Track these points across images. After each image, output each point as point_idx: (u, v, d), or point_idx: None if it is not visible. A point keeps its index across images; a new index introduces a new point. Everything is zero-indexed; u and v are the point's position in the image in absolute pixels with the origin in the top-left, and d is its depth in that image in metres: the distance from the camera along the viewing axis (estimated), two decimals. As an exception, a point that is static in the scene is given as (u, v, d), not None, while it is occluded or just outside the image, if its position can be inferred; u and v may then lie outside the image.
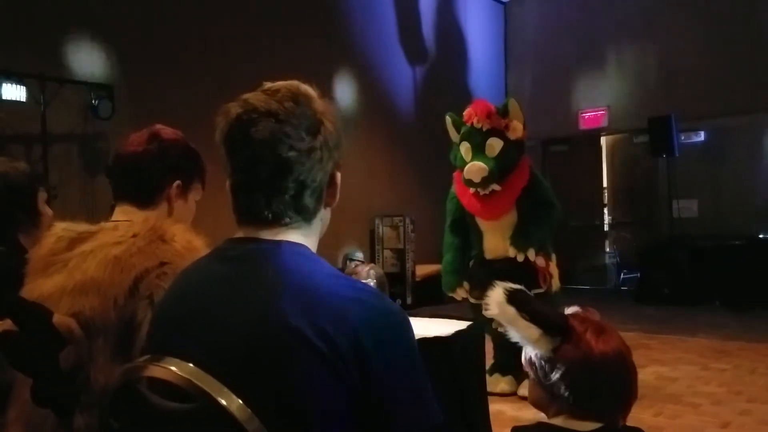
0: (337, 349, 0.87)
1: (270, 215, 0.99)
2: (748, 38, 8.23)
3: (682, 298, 7.55)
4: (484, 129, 4.08)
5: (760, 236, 7.48)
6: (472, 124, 4.13)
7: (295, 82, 1.03)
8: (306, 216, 1.02)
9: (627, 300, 8.09)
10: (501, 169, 4.02)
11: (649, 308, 7.45)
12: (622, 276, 9.42)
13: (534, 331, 1.20)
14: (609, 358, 1.18)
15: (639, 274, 8.47)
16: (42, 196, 1.82)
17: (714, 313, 7.06)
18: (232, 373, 0.87)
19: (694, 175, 8.63)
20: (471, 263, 4.30)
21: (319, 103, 1.02)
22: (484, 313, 1.29)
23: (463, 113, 4.24)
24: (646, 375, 4.43)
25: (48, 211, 1.84)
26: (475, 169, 3.98)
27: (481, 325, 2.52)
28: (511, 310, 1.21)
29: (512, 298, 1.21)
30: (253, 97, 0.99)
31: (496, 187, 4.03)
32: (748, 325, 6.28)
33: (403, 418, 0.90)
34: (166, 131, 1.51)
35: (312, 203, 1.01)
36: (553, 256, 4.24)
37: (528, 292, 1.25)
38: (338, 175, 1.05)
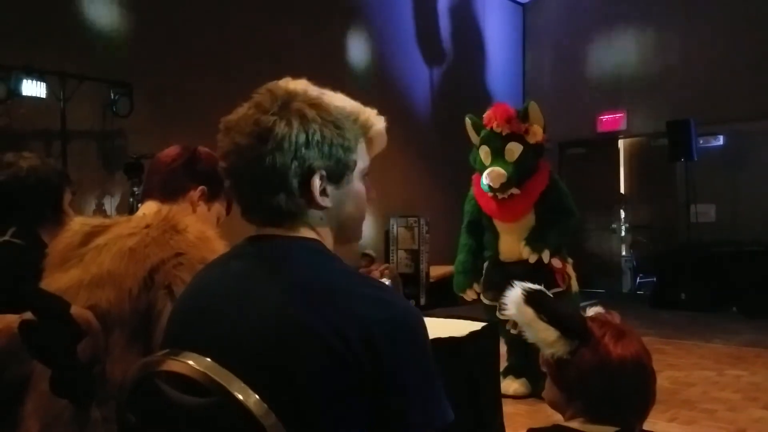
0: (349, 346, 0.87)
1: (260, 216, 1.02)
2: (766, 42, 8.12)
3: (699, 304, 7.47)
4: (504, 133, 4.09)
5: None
6: (491, 128, 4.14)
7: (278, 82, 1.03)
8: (289, 217, 1.00)
9: (643, 304, 8.00)
10: (520, 174, 4.04)
11: (665, 313, 7.37)
12: (638, 280, 9.34)
13: (551, 333, 1.18)
14: (627, 364, 1.16)
15: (655, 279, 8.39)
16: (68, 196, 1.83)
17: (730, 320, 6.98)
18: (246, 369, 0.88)
19: (713, 180, 8.52)
20: (486, 264, 4.29)
21: (293, 104, 0.98)
22: (499, 314, 1.29)
23: (483, 116, 4.24)
24: (661, 380, 4.32)
25: (71, 212, 1.85)
26: (495, 174, 4.00)
27: (495, 326, 2.52)
28: (529, 311, 1.19)
29: (530, 298, 1.20)
30: (237, 109, 1.01)
31: (515, 190, 4.06)
32: (764, 332, 6.20)
33: (414, 417, 0.89)
34: (203, 148, 1.57)
35: (286, 205, 0.99)
36: (570, 260, 4.23)
37: (547, 293, 1.23)
38: (319, 173, 0.98)
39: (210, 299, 1.00)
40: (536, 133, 4.09)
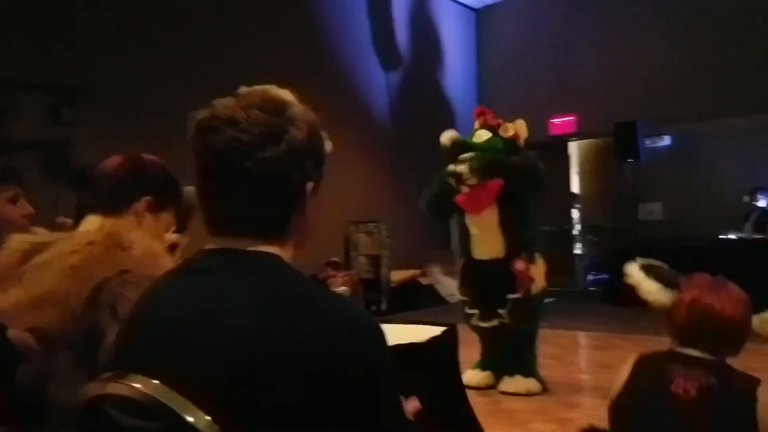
0: (311, 362, 0.85)
1: (237, 226, 0.97)
2: (712, 45, 8.43)
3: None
4: (477, 127, 4.35)
5: (720, 237, 7.66)
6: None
7: (268, 87, 1.00)
8: (276, 227, 0.98)
9: (595, 301, 8.20)
10: (486, 150, 4.15)
11: (617, 309, 7.55)
12: (591, 278, 9.54)
13: (654, 284, 1.77)
14: (692, 303, 1.66)
15: (607, 276, 8.60)
16: (3, 196, 1.71)
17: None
18: (209, 388, 0.85)
19: (660, 179, 8.79)
20: (462, 263, 4.45)
21: (291, 110, 0.97)
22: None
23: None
24: (614, 374, 4.49)
25: (12, 211, 1.72)
26: (446, 134, 4.22)
27: (455, 330, 2.52)
28: (641, 274, 1.81)
29: (642, 266, 1.83)
30: (220, 103, 0.96)
31: (481, 180, 4.08)
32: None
33: (379, 427, 0.89)
34: (148, 155, 1.50)
35: (279, 214, 0.98)
36: (539, 259, 4.27)
37: (660, 265, 1.83)
38: (309, 184, 0.99)
39: (165, 318, 0.95)
40: (508, 128, 4.26)
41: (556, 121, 9.82)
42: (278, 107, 0.96)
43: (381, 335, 0.93)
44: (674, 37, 8.71)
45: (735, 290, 1.70)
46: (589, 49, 9.55)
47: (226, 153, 0.93)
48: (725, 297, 1.68)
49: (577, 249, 9.98)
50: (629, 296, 1.86)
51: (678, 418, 1.59)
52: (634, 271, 1.84)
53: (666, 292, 1.74)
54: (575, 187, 10.11)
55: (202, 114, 0.96)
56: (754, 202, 7.63)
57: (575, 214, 9.99)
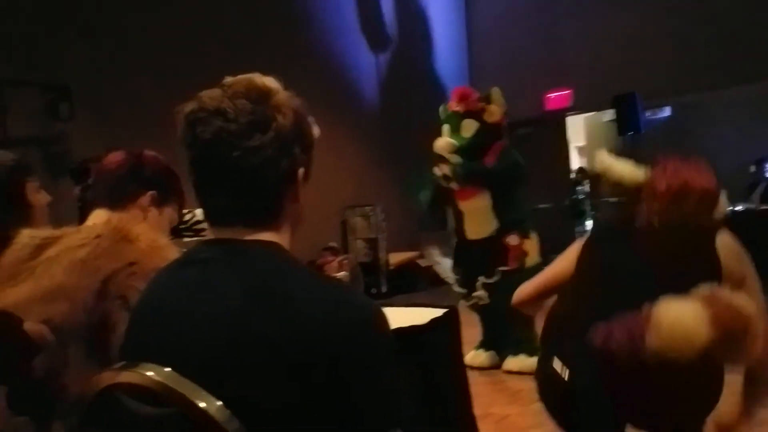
0: (304, 350, 0.86)
1: (232, 216, 0.99)
2: (709, 14, 8.34)
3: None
4: (461, 111, 4.30)
5: (728, 209, 7.66)
6: (451, 109, 4.37)
7: (253, 76, 1.00)
8: (270, 214, 1.00)
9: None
10: (472, 149, 4.20)
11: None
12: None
13: (626, 164, 1.88)
14: (683, 175, 1.79)
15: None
16: (32, 186, 1.74)
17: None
18: (205, 375, 0.87)
19: (660, 152, 8.75)
20: (454, 244, 4.51)
21: (276, 97, 0.98)
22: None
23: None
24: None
25: (41, 199, 1.75)
26: (442, 143, 4.22)
27: (456, 311, 2.55)
28: (611, 158, 1.89)
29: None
30: (207, 95, 0.97)
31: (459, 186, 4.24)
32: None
33: (376, 417, 0.90)
34: (148, 152, 1.54)
35: (271, 201, 0.99)
36: (533, 235, 4.34)
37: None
38: (300, 170, 1.00)
39: (166, 308, 0.98)
40: (493, 112, 4.28)
41: (551, 95, 9.79)
42: (263, 95, 0.97)
43: (373, 322, 0.92)
44: (671, 5, 8.63)
45: (705, 165, 1.84)
46: (581, 22, 9.46)
47: (216, 144, 0.94)
48: (700, 168, 1.82)
49: (587, 225, 9.95)
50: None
51: (641, 258, 1.71)
52: (603, 156, 1.89)
53: (638, 169, 1.83)
54: (583, 162, 10.06)
55: (189, 106, 0.97)
56: (761, 173, 7.63)
57: (585, 189, 9.94)
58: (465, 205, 4.30)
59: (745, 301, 1.54)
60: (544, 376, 1.82)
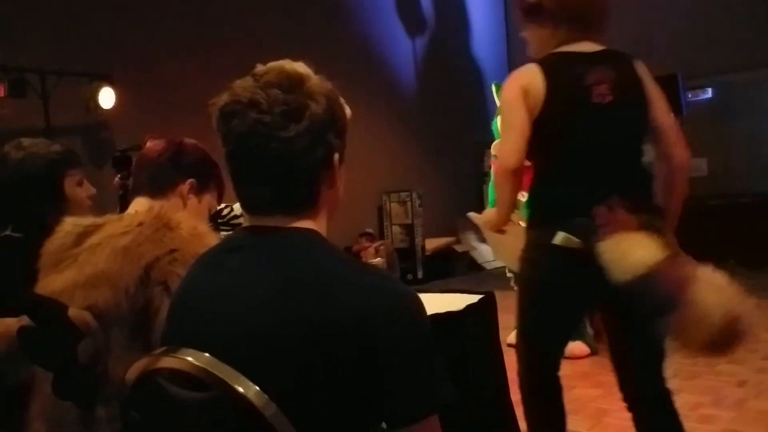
0: (341, 337, 0.87)
1: (270, 205, 0.99)
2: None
3: (696, 257, 7.49)
4: None
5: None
6: None
7: (283, 63, 1.00)
8: (307, 201, 1.00)
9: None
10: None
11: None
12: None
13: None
14: None
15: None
16: (71, 179, 1.77)
17: (728, 272, 7.02)
18: (243, 361, 0.88)
19: (703, 134, 8.49)
20: None
21: (307, 84, 0.97)
22: None
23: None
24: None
25: (80, 193, 1.78)
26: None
27: (493, 296, 2.53)
28: None
29: None
30: (239, 85, 0.97)
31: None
32: (761, 283, 6.26)
33: (415, 402, 0.90)
34: (189, 140, 1.56)
35: (308, 190, 0.99)
36: None
37: None
38: (335, 156, 1.00)
39: (206, 295, 1.00)
40: None
41: (591, 79, 9.55)
42: (295, 83, 0.96)
43: (410, 309, 0.92)
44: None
45: None
46: (621, 2, 9.21)
47: (251, 136, 0.94)
48: None
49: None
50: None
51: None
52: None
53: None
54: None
55: (223, 99, 0.97)
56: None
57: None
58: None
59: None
60: (549, 249, 1.89)
